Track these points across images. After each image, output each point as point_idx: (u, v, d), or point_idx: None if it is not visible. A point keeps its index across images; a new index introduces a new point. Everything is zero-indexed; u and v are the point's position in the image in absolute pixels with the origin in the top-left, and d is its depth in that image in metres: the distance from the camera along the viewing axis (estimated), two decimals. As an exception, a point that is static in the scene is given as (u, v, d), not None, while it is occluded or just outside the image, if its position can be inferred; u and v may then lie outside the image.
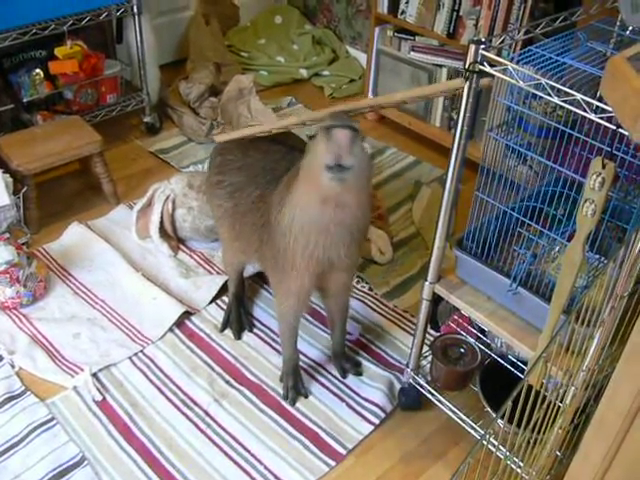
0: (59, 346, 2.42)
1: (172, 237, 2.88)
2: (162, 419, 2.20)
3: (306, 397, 2.30)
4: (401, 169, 3.44)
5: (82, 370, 2.32)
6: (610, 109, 1.31)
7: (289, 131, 2.37)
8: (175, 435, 2.16)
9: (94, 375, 2.31)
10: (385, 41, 3.58)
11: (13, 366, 2.33)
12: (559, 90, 1.44)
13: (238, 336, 2.51)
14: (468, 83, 1.61)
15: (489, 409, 2.01)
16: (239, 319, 2.55)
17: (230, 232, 2.30)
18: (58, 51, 3.15)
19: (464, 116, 1.66)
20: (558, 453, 1.78)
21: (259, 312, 2.61)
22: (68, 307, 2.59)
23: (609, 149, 1.43)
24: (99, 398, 2.24)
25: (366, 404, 2.27)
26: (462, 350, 2.08)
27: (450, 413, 2.11)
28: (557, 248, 1.78)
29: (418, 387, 2.19)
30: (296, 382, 2.30)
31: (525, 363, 1.99)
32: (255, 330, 2.54)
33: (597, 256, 1.76)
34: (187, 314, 2.56)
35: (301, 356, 2.38)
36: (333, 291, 2.17)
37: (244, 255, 2.35)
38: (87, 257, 2.80)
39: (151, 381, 2.32)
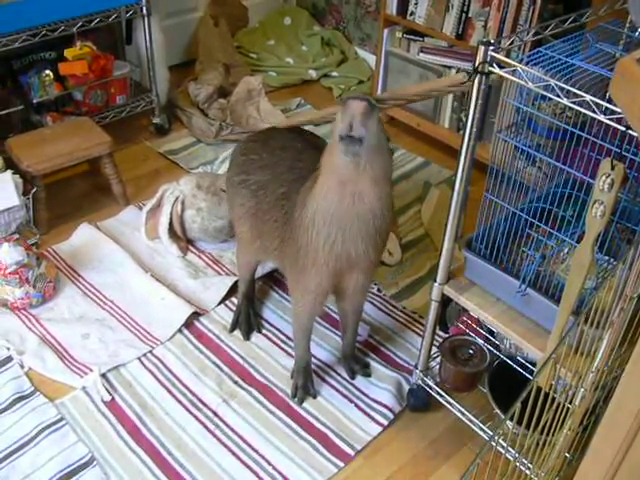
0: (68, 346, 2.43)
1: (181, 238, 2.88)
2: (171, 419, 2.21)
3: (314, 397, 2.30)
4: (410, 170, 3.44)
5: (91, 370, 2.33)
6: (619, 110, 1.31)
7: (308, 131, 2.41)
8: (184, 435, 2.17)
9: (103, 375, 2.32)
10: (394, 42, 3.58)
11: (22, 366, 2.34)
12: (568, 91, 1.44)
13: (247, 337, 2.51)
14: (477, 84, 1.61)
15: (498, 410, 2.00)
16: (248, 320, 2.55)
17: (252, 231, 2.29)
18: (68, 52, 3.16)
19: (473, 117, 1.66)
20: (567, 454, 1.78)
21: (268, 313, 2.61)
22: (77, 308, 2.60)
23: (618, 150, 1.43)
24: (108, 398, 2.25)
25: (375, 405, 2.27)
26: (471, 351, 2.08)
27: (459, 414, 2.11)
28: (566, 249, 1.78)
29: (427, 388, 2.19)
30: (306, 382, 2.31)
31: (534, 364, 1.99)
32: (264, 331, 2.54)
33: (606, 257, 1.76)
34: (196, 315, 2.57)
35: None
36: (350, 292, 2.16)
37: (264, 254, 2.34)
38: (96, 258, 2.81)
39: (160, 382, 2.33)
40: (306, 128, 2.49)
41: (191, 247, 2.91)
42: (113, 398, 2.26)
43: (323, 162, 1.88)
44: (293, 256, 2.06)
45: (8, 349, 2.39)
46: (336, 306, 2.40)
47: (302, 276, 2.06)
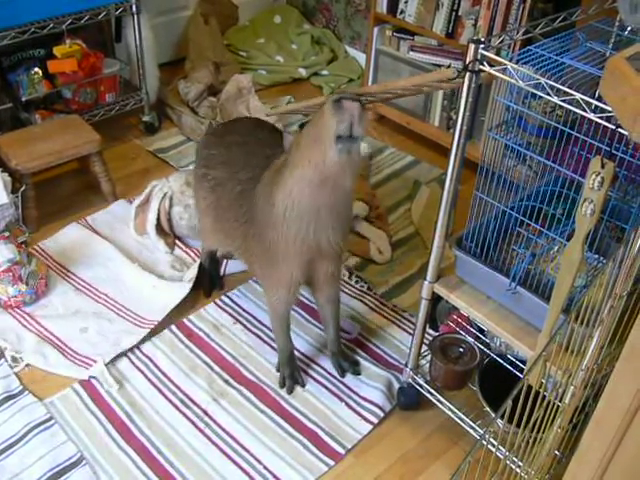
0: (68, 341, 2.43)
1: (169, 234, 2.88)
2: (161, 418, 2.20)
3: (303, 386, 2.32)
4: (400, 169, 3.44)
5: (95, 362, 2.34)
6: (609, 109, 1.32)
7: (270, 124, 2.46)
8: (174, 434, 2.16)
9: (107, 365, 2.34)
10: (384, 41, 3.58)
11: (11, 366, 2.32)
12: (558, 90, 1.44)
13: (208, 294, 2.62)
14: (467, 82, 1.61)
15: (488, 408, 2.01)
16: (210, 278, 2.66)
17: (213, 225, 2.36)
18: (57, 50, 3.15)
19: (463, 115, 1.66)
20: (557, 452, 1.79)
21: (258, 311, 2.61)
22: (71, 303, 2.59)
23: (608, 149, 1.43)
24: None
25: (365, 404, 2.27)
26: (461, 349, 2.08)
27: (449, 412, 2.11)
28: (556, 247, 1.78)
29: (417, 386, 2.19)
30: (292, 371, 2.33)
31: (524, 362, 1.99)
32: (254, 329, 2.54)
33: (596, 256, 1.76)
34: (185, 313, 2.57)
35: (295, 352, 2.39)
36: (321, 282, 2.19)
37: (225, 248, 2.44)
38: (85, 254, 2.81)
39: (150, 380, 2.32)
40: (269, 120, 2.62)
41: (179, 243, 2.90)
42: (103, 397, 2.25)
43: (300, 157, 1.87)
44: (261, 252, 2.09)
45: (5, 348, 2.38)
46: (313, 299, 2.43)
47: (274, 270, 2.09)
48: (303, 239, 1.97)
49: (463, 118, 1.66)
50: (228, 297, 2.66)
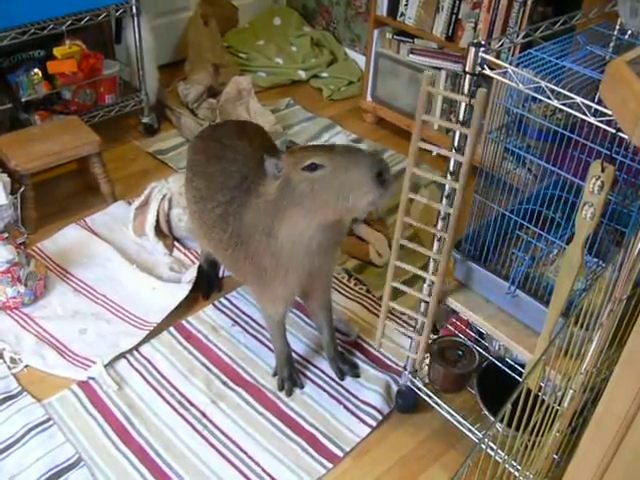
0: (66, 342, 2.43)
1: (167, 236, 2.88)
2: (159, 420, 2.20)
3: (302, 388, 2.32)
4: (399, 171, 3.44)
5: (94, 363, 2.34)
6: (610, 112, 1.32)
7: (255, 129, 2.42)
8: (172, 436, 2.16)
9: (105, 366, 2.34)
10: (384, 43, 3.58)
11: (9, 367, 2.32)
12: (559, 93, 1.44)
13: (207, 297, 2.64)
14: (468, 85, 1.61)
15: (486, 412, 2.00)
16: (209, 280, 2.67)
17: (199, 229, 2.36)
18: (57, 51, 3.15)
19: (463, 119, 1.66)
20: (555, 456, 1.78)
21: (256, 313, 2.60)
22: (70, 304, 2.59)
23: (608, 152, 1.43)
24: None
25: (363, 406, 2.27)
26: (460, 352, 2.08)
27: (447, 415, 2.11)
28: (556, 251, 1.78)
29: (415, 389, 2.18)
30: (291, 373, 2.33)
31: (522, 366, 1.99)
32: (252, 331, 2.54)
33: (595, 259, 1.76)
34: (184, 315, 2.56)
35: (293, 354, 2.39)
36: (315, 291, 2.24)
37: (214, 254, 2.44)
38: (84, 254, 2.81)
39: (148, 382, 2.32)
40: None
41: (177, 245, 2.90)
42: (101, 398, 2.25)
43: (319, 203, 1.84)
44: (255, 274, 2.10)
45: (4, 349, 2.38)
46: (306, 306, 2.45)
47: (270, 289, 2.10)
48: (304, 266, 2.00)
49: (463, 121, 1.66)
50: (227, 299, 2.66)
